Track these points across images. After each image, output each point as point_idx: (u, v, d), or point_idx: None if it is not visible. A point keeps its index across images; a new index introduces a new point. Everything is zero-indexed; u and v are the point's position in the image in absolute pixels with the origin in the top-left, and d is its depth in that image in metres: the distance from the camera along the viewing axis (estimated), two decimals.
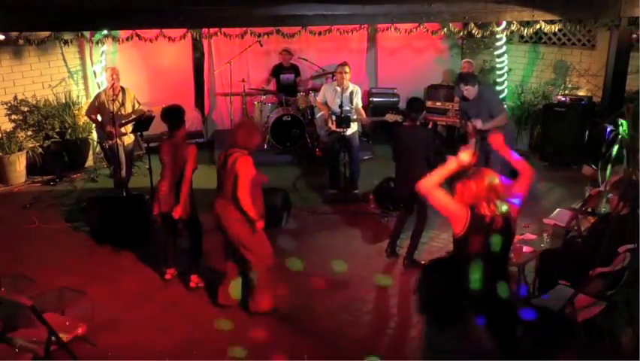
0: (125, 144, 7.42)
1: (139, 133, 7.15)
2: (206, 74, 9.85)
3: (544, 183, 7.96)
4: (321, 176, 8.20)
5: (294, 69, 9.46)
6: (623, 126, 6.22)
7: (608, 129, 6.42)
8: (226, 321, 4.98)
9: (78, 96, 9.09)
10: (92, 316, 4.66)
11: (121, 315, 5.09)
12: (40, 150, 8.49)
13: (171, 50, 9.02)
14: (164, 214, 5.44)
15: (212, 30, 8.38)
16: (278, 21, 7.24)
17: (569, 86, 9.03)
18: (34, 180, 8.39)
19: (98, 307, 4.86)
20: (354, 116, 7.43)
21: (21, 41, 7.68)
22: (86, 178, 8.47)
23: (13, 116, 8.53)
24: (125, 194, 7.30)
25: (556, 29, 8.33)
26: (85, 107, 8.18)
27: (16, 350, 3.96)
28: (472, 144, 6.71)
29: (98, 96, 7.44)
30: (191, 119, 9.24)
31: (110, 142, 7.26)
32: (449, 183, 3.53)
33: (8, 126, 8.42)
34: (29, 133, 8.55)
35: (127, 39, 8.16)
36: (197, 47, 9.59)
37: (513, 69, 9.59)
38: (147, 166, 6.78)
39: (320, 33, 8.30)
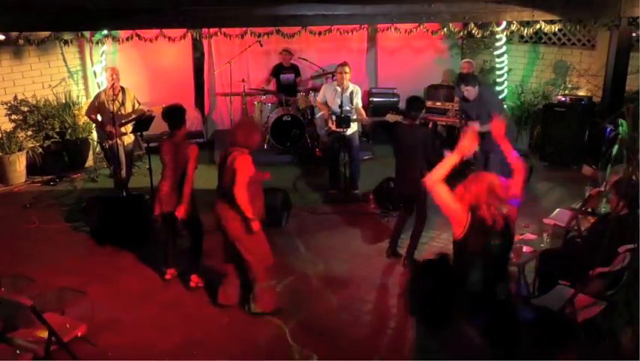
0: (125, 143, 7.42)
1: (139, 133, 7.15)
2: (206, 74, 9.84)
3: (544, 183, 7.97)
4: (321, 176, 8.21)
5: (294, 69, 9.46)
6: (623, 126, 6.22)
7: (608, 129, 6.43)
8: (226, 321, 4.99)
9: (78, 96, 9.09)
10: (92, 316, 4.66)
11: (121, 315, 5.09)
12: (40, 150, 8.50)
13: (171, 50, 9.02)
14: (165, 214, 5.44)
15: (212, 30, 8.38)
16: (278, 21, 7.25)
17: (569, 86, 9.04)
18: (34, 180, 8.39)
19: (98, 307, 4.86)
20: (354, 116, 7.43)
21: (21, 41, 7.68)
22: (86, 178, 8.48)
23: (13, 116, 8.53)
24: (125, 194, 7.30)
25: (556, 29, 8.33)
26: (85, 107, 8.18)
27: (18, 352, 3.96)
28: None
29: (97, 96, 7.44)
30: (191, 119, 9.24)
31: (110, 142, 7.26)
32: (451, 182, 3.51)
33: (8, 126, 8.42)
34: (29, 133, 8.55)
35: (127, 39, 8.16)
36: (197, 46, 9.59)
37: (513, 69, 9.59)
38: (147, 166, 6.78)
39: (320, 33, 8.30)
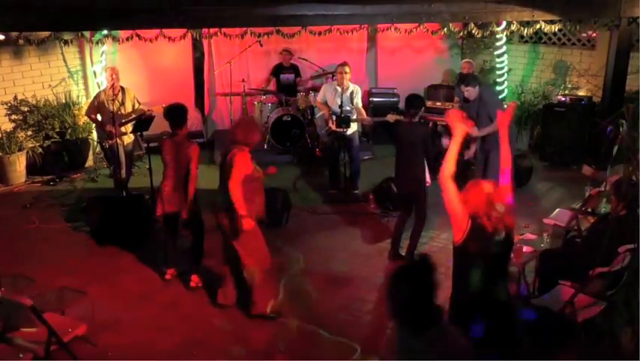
0: (125, 143, 7.42)
1: (139, 133, 7.16)
2: (206, 74, 9.85)
3: (544, 183, 7.97)
4: (321, 176, 8.21)
5: (294, 69, 9.46)
6: (623, 126, 6.21)
7: (608, 129, 6.42)
8: (226, 321, 4.99)
9: (78, 96, 9.09)
10: (92, 316, 4.65)
11: (121, 315, 5.09)
12: (40, 150, 8.50)
13: (171, 50, 9.02)
14: (167, 214, 5.43)
15: (212, 30, 8.38)
16: (278, 21, 7.24)
17: (569, 86, 9.04)
18: (34, 180, 8.39)
19: (98, 307, 4.86)
20: (354, 116, 7.43)
21: (21, 41, 7.68)
22: (86, 178, 8.48)
23: (13, 116, 8.53)
24: (125, 194, 7.30)
25: (556, 29, 8.33)
26: (85, 107, 8.19)
27: (20, 355, 3.95)
28: (473, 149, 6.73)
29: (97, 96, 7.44)
30: (191, 119, 9.19)
31: (110, 142, 7.26)
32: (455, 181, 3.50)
33: (8, 126, 8.42)
34: (29, 133, 8.55)
35: (127, 39, 8.16)
36: (197, 46, 9.59)
37: (513, 69, 9.60)
38: (147, 166, 6.78)
39: (320, 33, 8.30)
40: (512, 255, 4.52)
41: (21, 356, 3.97)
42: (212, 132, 9.95)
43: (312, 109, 9.07)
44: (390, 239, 6.07)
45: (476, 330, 3.27)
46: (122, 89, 7.36)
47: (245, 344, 4.70)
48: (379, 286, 5.57)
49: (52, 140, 8.57)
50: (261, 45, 8.89)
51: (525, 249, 4.94)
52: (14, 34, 7.69)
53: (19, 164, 8.26)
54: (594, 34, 8.63)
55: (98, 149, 8.54)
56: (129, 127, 7.28)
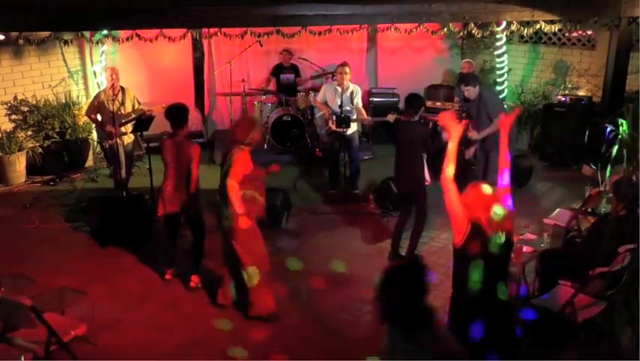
0: (125, 143, 7.42)
1: (139, 133, 7.15)
2: (206, 74, 9.85)
3: (544, 183, 7.97)
4: (321, 176, 8.21)
5: (294, 69, 9.45)
6: (623, 126, 6.22)
7: (608, 129, 6.43)
8: (226, 321, 4.99)
9: (78, 96, 9.09)
10: (92, 316, 4.65)
11: (121, 315, 5.09)
12: (40, 150, 8.50)
13: (171, 50, 9.02)
14: (168, 215, 5.43)
15: (212, 30, 8.38)
16: (278, 21, 7.24)
17: (569, 86, 9.04)
18: (34, 180, 8.39)
19: (98, 307, 4.86)
20: (354, 116, 7.43)
21: (21, 41, 7.68)
22: (86, 178, 8.48)
23: (13, 116, 8.53)
24: (125, 194, 7.30)
25: (556, 29, 8.33)
26: (85, 107, 8.19)
27: (22, 358, 3.95)
28: (473, 149, 6.73)
29: (97, 96, 7.44)
30: (191, 119, 9.14)
31: (110, 142, 7.26)
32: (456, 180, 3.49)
33: (8, 126, 8.42)
34: (29, 133, 8.55)
35: (127, 39, 8.15)
36: (197, 46, 9.59)
37: (513, 69, 9.59)
38: (147, 166, 6.78)
39: (320, 33, 8.29)
40: (512, 255, 4.53)
41: (23, 359, 3.97)
42: (212, 132, 9.95)
43: (312, 109, 9.06)
44: (390, 239, 6.07)
45: (476, 330, 3.27)
46: (122, 89, 7.36)
47: (245, 345, 4.69)
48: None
49: (52, 140, 8.57)
50: (261, 45, 8.89)
51: (525, 249, 4.95)
52: (14, 34, 7.69)
53: (19, 164, 8.26)
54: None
55: (98, 149, 8.54)
56: (129, 127, 7.28)
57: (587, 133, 7.64)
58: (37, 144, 8.50)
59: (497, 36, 9.09)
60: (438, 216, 6.24)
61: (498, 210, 3.26)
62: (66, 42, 7.99)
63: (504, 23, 8.33)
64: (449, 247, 3.65)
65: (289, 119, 8.79)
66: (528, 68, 9.59)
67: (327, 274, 5.71)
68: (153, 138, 7.32)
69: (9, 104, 8.48)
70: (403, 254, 5.95)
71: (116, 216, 6.41)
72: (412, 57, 10.06)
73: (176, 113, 5.39)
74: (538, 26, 8.03)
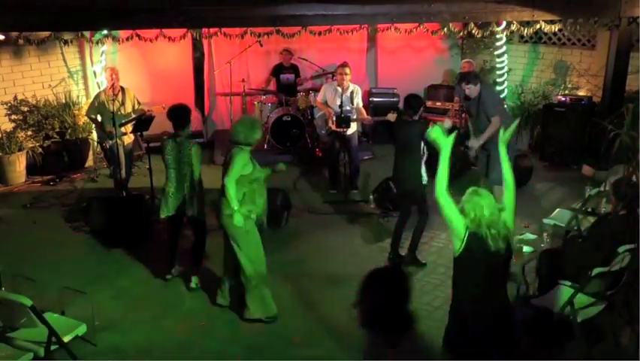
0: (125, 143, 7.42)
1: (139, 133, 7.15)
2: (206, 74, 9.85)
3: (544, 183, 7.97)
4: (321, 176, 8.21)
5: (294, 69, 9.45)
6: (623, 126, 6.21)
7: (608, 129, 6.42)
8: (226, 321, 4.99)
9: (78, 96, 9.09)
10: (92, 316, 4.65)
11: (121, 315, 5.09)
12: (40, 150, 8.50)
13: (171, 50, 9.02)
14: (171, 216, 5.43)
15: (212, 30, 8.38)
16: (278, 21, 7.24)
17: (569, 86, 9.04)
18: (34, 180, 8.39)
19: (98, 307, 4.85)
20: (354, 116, 7.43)
21: (21, 41, 7.68)
22: (86, 178, 8.48)
23: (13, 116, 8.53)
24: (125, 194, 7.30)
25: (556, 29, 8.33)
26: (85, 107, 8.18)
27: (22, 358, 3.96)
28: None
29: (97, 96, 7.44)
30: (192, 119, 9.22)
31: (110, 142, 7.26)
32: (452, 182, 3.48)
33: (8, 126, 8.42)
34: (29, 133, 8.55)
35: (127, 39, 8.15)
36: (197, 46, 9.59)
37: (513, 69, 9.59)
38: (147, 166, 6.78)
39: (320, 33, 8.29)
40: (513, 256, 4.53)
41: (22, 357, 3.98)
42: (212, 132, 9.95)
43: (312, 109, 9.07)
44: (390, 239, 6.07)
45: (476, 331, 3.27)
46: (122, 89, 7.36)
47: (244, 345, 4.69)
48: None
49: (52, 140, 8.57)
50: (261, 45, 8.89)
51: (525, 249, 4.95)
52: (14, 34, 7.69)
53: (19, 164, 8.26)
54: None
55: (98, 149, 8.54)
56: (129, 127, 7.28)
57: (587, 133, 7.66)
58: (37, 144, 8.50)
59: (497, 36, 9.09)
60: (438, 216, 6.20)
61: (497, 216, 3.26)
62: (66, 42, 7.98)
63: (504, 23, 8.33)
64: (449, 247, 3.65)
65: (289, 119, 8.79)
66: (528, 68, 9.59)
67: (327, 274, 5.71)
68: (153, 138, 7.32)
69: (9, 104, 8.48)
70: (403, 254, 5.95)
71: (116, 216, 6.41)
72: (412, 57, 10.06)
73: (178, 114, 5.38)
74: (538, 26, 8.03)
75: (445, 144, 3.43)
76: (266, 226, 5.11)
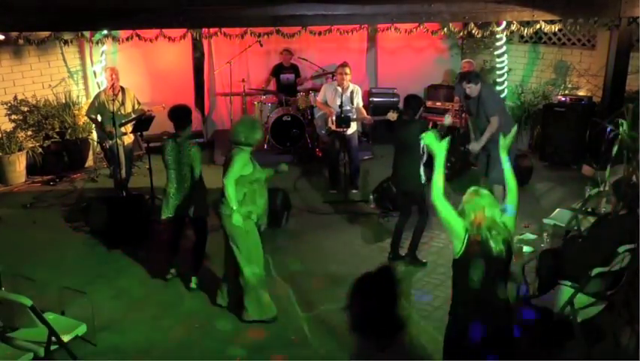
0: (125, 143, 7.42)
1: (139, 133, 7.15)
2: (206, 74, 9.85)
3: (544, 183, 7.97)
4: (321, 176, 8.21)
5: (294, 69, 9.45)
6: (623, 126, 6.22)
7: (608, 129, 6.42)
8: (225, 321, 4.99)
9: (78, 96, 9.09)
10: (92, 316, 4.65)
11: (121, 315, 5.09)
12: (40, 150, 8.50)
13: (171, 50, 9.02)
14: (172, 216, 5.42)
15: (212, 30, 8.38)
16: (278, 21, 7.24)
17: (569, 86, 9.03)
18: (34, 180, 8.39)
19: (98, 307, 4.85)
20: (354, 116, 7.44)
21: (21, 41, 7.67)
22: (86, 178, 8.48)
23: (13, 116, 8.53)
24: (125, 194, 7.30)
25: (557, 29, 8.33)
26: (85, 107, 8.18)
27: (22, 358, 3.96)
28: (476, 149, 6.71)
29: (97, 96, 7.44)
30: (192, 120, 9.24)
31: (110, 142, 7.26)
32: (452, 180, 3.48)
33: (8, 126, 8.43)
34: (29, 133, 8.55)
35: (127, 39, 8.15)
36: (197, 46, 9.58)
37: (513, 69, 9.59)
38: (147, 166, 6.78)
39: (320, 33, 8.29)
40: (513, 257, 4.53)
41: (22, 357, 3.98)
42: (212, 132, 9.95)
43: (312, 109, 9.07)
44: (390, 239, 6.07)
45: (476, 332, 3.27)
46: (122, 89, 7.36)
47: (244, 345, 4.69)
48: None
49: (52, 140, 8.57)
50: (261, 45, 8.88)
51: (525, 249, 4.95)
52: (14, 34, 7.69)
53: (19, 164, 8.26)
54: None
55: (98, 149, 8.54)
56: (129, 127, 7.28)
57: (587, 133, 7.65)
58: (37, 144, 8.50)
59: (497, 36, 9.09)
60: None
61: (497, 217, 3.25)
62: (66, 42, 7.98)
63: (504, 23, 8.33)
64: (449, 247, 3.64)
65: (289, 119, 8.79)
66: (528, 68, 9.59)
67: (327, 274, 5.71)
68: (153, 137, 7.32)
69: (9, 104, 8.48)
70: (403, 255, 5.95)
71: (116, 217, 6.40)
72: (412, 57, 10.06)
73: (179, 114, 5.38)
74: (538, 26, 8.03)
75: (439, 150, 3.42)
76: (266, 226, 5.11)
